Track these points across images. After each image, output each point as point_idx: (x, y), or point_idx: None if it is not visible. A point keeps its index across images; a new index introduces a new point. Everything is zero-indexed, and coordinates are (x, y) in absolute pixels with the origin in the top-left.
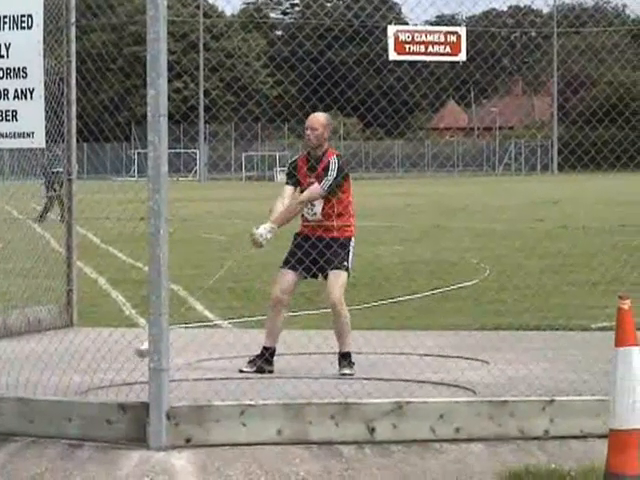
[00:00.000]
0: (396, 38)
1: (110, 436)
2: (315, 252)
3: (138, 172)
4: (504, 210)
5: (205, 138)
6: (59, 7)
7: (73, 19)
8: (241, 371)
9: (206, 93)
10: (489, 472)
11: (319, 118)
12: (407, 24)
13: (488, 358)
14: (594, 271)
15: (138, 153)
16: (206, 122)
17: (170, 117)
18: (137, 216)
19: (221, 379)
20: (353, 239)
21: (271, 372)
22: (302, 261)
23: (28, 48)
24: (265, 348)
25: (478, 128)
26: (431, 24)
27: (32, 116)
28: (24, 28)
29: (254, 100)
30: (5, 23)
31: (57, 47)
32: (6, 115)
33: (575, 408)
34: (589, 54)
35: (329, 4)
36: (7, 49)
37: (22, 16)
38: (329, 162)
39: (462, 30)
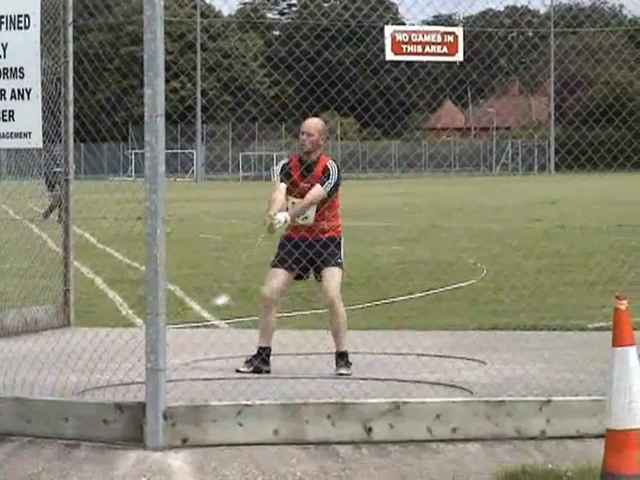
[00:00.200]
0: (393, 38)
1: (107, 436)
2: (312, 252)
3: (135, 172)
4: (501, 210)
5: (202, 138)
6: (56, 7)
7: (70, 19)
8: (238, 371)
9: (203, 93)
10: (486, 472)
11: (316, 124)
12: (404, 24)
13: (485, 358)
14: (591, 271)
15: (135, 153)
16: (203, 122)
17: (167, 117)
18: (134, 216)
19: (218, 379)
20: (342, 238)
21: (268, 372)
22: (296, 261)
23: (25, 48)
24: (261, 348)
25: (475, 128)
26: (428, 24)
27: (29, 116)
28: (21, 28)
29: (251, 100)
30: (2, 23)
31: (54, 47)
32: (3, 115)
33: (572, 408)
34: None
35: (326, 4)
36: (4, 49)
37: (19, 16)
38: (327, 166)
39: (459, 30)
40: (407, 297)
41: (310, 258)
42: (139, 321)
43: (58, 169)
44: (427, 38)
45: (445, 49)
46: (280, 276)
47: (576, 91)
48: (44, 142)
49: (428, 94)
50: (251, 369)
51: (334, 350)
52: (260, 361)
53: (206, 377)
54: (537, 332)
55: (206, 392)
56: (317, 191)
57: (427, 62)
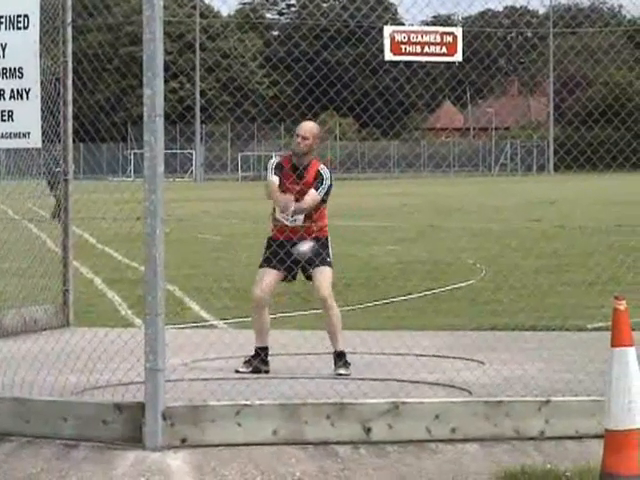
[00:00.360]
0: (392, 38)
1: (106, 436)
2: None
3: (134, 172)
4: (500, 210)
5: (201, 138)
6: (55, 7)
7: (69, 19)
8: (237, 371)
9: (202, 93)
10: (485, 472)
11: (311, 128)
12: (403, 24)
13: (484, 358)
14: (590, 271)
15: (134, 153)
16: (202, 122)
17: (166, 117)
18: (133, 216)
19: (217, 379)
20: (329, 237)
21: (267, 372)
22: (284, 261)
23: (24, 48)
24: (259, 348)
25: (474, 128)
26: (427, 24)
27: (28, 116)
28: (20, 28)
29: (250, 100)
30: (1, 23)
31: (53, 47)
32: (2, 115)
33: (571, 408)
34: (585, 55)
35: (325, 5)
36: (3, 49)
37: (18, 16)
38: (319, 171)
39: (458, 30)
40: (406, 297)
41: (295, 258)
42: (138, 321)
43: (58, 169)
44: (426, 38)
45: (444, 49)
46: (268, 276)
47: (575, 91)
48: (43, 142)
49: (427, 94)
50: (250, 369)
51: (332, 350)
52: (259, 361)
53: (205, 377)
54: (536, 332)
55: (205, 392)
56: (314, 196)
57: (426, 62)
